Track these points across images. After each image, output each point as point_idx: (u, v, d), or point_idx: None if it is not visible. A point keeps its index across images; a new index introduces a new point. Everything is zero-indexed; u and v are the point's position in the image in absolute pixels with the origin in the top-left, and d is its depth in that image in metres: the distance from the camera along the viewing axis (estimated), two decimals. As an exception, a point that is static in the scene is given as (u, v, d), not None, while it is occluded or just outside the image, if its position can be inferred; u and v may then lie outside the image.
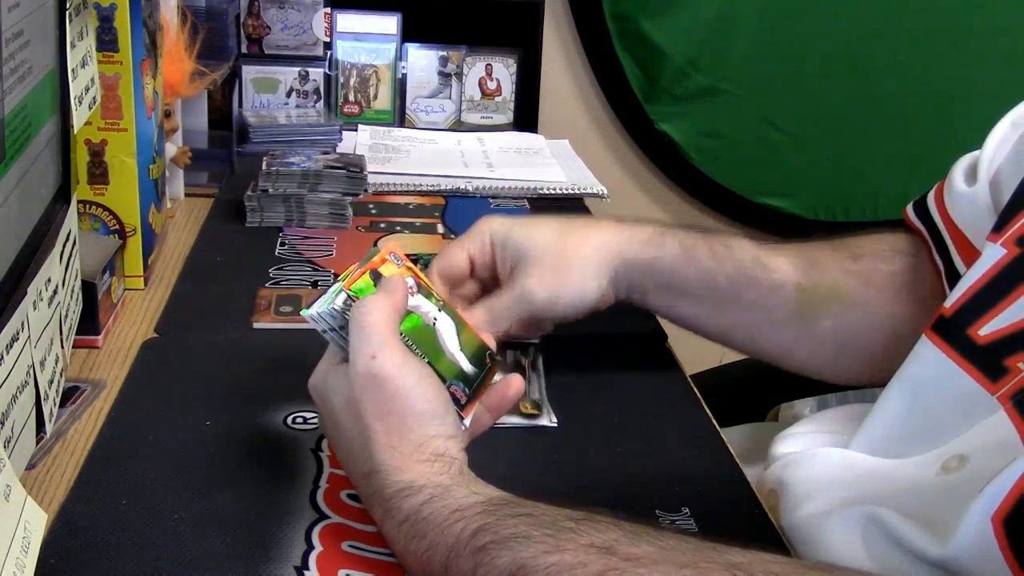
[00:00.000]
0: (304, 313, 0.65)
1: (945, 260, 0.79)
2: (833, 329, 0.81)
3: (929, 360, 0.70)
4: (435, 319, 0.68)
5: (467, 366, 0.68)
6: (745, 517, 0.71)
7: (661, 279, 0.82)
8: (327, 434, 0.69)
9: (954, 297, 0.70)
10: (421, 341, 0.66)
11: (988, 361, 0.66)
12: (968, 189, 0.78)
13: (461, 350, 0.68)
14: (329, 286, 0.66)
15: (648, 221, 0.84)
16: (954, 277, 0.75)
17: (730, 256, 0.82)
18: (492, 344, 0.72)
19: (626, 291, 0.83)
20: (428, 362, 0.65)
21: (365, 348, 0.61)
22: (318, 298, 0.65)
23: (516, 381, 0.69)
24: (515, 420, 0.79)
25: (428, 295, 0.69)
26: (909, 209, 0.85)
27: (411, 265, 0.69)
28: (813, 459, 0.73)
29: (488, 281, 0.83)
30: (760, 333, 0.83)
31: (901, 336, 0.77)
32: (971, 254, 0.74)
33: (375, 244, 1.12)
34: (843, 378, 0.85)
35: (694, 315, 0.84)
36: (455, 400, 0.65)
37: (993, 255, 0.69)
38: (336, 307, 0.64)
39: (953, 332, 0.69)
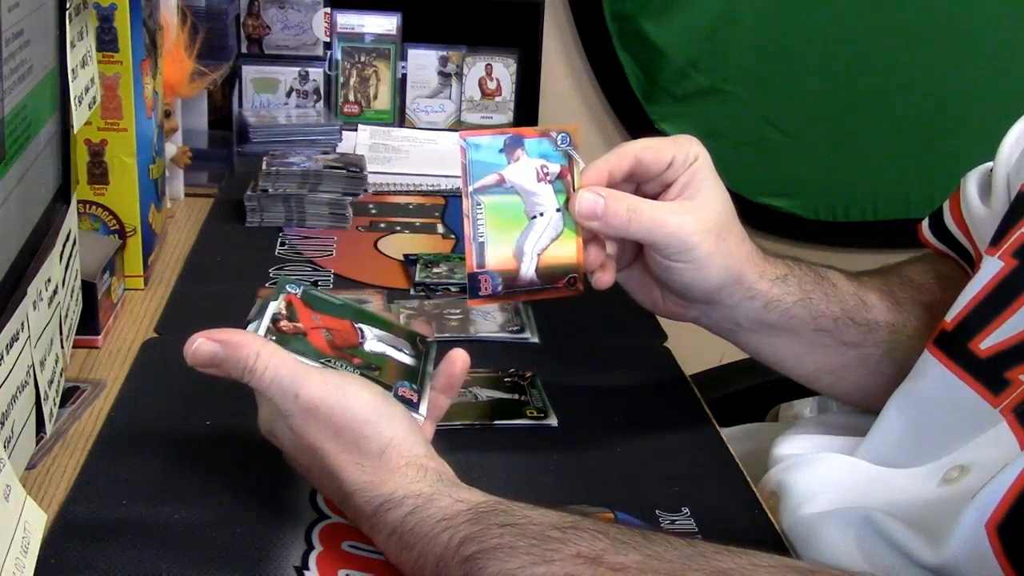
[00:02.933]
0: None
1: None
2: None
3: (931, 375, 0.70)
4: (540, 213, 0.66)
5: (526, 268, 0.67)
6: (745, 517, 0.71)
7: (775, 320, 0.75)
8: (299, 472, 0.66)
9: (955, 311, 0.70)
10: (495, 217, 0.65)
11: (990, 374, 0.66)
12: (988, 211, 0.78)
13: (538, 253, 0.67)
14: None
15: (776, 255, 0.77)
16: None
17: (837, 296, 0.77)
18: (580, 269, 0.69)
19: (727, 310, 0.74)
20: (480, 240, 0.65)
21: (287, 397, 0.61)
22: None
23: (460, 355, 0.68)
24: (522, 421, 0.79)
25: (562, 192, 0.67)
26: (928, 234, 0.84)
27: (572, 152, 0.68)
28: (815, 463, 0.73)
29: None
30: (846, 375, 0.78)
31: None
32: None
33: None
34: None
35: (782, 355, 0.78)
36: (407, 401, 0.65)
37: (991, 268, 0.69)
38: None
39: (955, 346, 0.69)
